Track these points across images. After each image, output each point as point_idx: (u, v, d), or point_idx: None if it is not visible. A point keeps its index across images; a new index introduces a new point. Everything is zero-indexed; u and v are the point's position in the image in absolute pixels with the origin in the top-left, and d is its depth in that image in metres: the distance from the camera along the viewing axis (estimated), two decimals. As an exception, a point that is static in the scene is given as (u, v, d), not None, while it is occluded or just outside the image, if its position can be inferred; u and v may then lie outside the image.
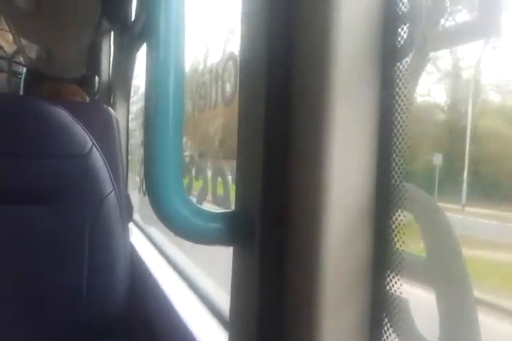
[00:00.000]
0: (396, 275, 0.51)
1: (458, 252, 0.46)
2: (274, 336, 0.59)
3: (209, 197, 1.27)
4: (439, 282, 0.48)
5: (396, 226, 0.51)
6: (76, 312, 0.95)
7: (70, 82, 1.98)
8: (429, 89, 0.61)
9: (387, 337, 0.52)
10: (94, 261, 0.96)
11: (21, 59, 3.63)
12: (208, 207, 1.24)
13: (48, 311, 0.93)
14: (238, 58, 1.04)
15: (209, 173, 1.31)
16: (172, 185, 0.65)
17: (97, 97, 2.83)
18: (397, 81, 0.52)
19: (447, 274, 0.47)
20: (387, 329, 0.52)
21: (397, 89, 0.52)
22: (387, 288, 0.52)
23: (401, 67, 0.52)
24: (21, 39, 3.24)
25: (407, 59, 0.52)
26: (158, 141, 0.64)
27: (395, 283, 0.51)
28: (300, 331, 0.56)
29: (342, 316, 0.53)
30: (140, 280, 1.22)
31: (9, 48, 3.57)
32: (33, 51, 3.47)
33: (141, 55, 2.25)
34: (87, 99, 2.46)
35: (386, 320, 0.52)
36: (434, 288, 0.47)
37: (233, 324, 0.70)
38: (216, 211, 0.68)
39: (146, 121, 0.65)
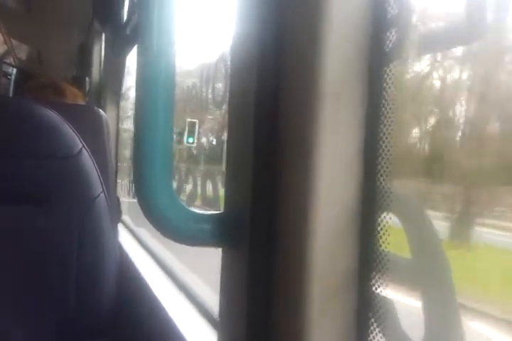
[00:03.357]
0: (382, 276, 0.51)
1: (441, 253, 0.47)
2: (262, 336, 0.60)
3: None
4: (423, 283, 0.48)
5: (382, 228, 0.52)
6: (65, 312, 0.94)
7: (67, 83, 1.97)
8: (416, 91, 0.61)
9: (373, 337, 0.52)
10: (83, 261, 0.96)
11: (11, 60, 3.61)
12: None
13: (36, 311, 0.93)
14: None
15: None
16: (161, 186, 0.65)
17: (87, 99, 2.82)
18: (384, 85, 0.53)
19: (431, 275, 0.48)
20: (374, 329, 0.52)
21: (383, 93, 0.53)
22: (374, 288, 0.52)
23: (388, 71, 0.53)
24: (12, 39, 3.23)
25: (395, 63, 0.52)
26: (148, 142, 0.65)
27: (381, 284, 0.52)
28: (288, 331, 0.56)
29: (329, 317, 0.53)
30: (129, 280, 1.22)
31: (-1, 49, 3.55)
32: (23, 52, 3.45)
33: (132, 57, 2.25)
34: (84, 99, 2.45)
35: (373, 320, 0.52)
36: (419, 289, 0.48)
37: (222, 324, 0.70)
38: (205, 212, 0.69)
39: (136, 122, 0.65)
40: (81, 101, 1.90)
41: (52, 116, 0.97)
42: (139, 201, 0.66)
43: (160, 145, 0.65)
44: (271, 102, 0.60)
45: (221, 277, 0.70)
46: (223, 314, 0.69)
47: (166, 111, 0.64)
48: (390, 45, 0.52)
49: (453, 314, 0.45)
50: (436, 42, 0.52)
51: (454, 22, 0.50)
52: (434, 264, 0.47)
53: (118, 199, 1.85)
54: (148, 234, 1.90)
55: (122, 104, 2.45)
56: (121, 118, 2.45)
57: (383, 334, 0.51)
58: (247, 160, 0.62)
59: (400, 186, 0.51)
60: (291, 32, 0.58)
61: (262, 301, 0.60)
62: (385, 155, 0.52)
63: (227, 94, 0.72)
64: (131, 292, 1.21)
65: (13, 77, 3.24)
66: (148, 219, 0.66)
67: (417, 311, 0.47)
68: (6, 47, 3.39)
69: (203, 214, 0.68)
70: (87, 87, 2.76)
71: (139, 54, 0.65)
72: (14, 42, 3.27)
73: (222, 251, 0.69)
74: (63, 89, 1.82)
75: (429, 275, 0.48)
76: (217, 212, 0.70)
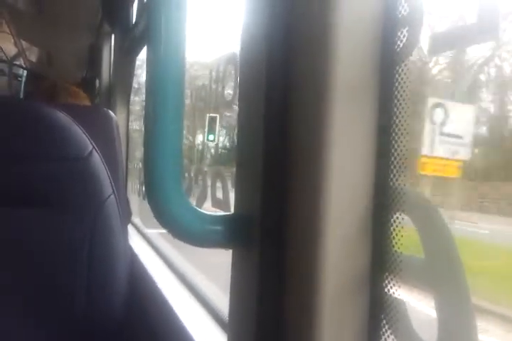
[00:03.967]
0: (394, 277, 0.51)
1: (456, 254, 0.46)
2: (272, 338, 0.60)
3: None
4: (437, 284, 0.48)
5: (394, 229, 0.51)
6: (75, 312, 0.95)
7: (72, 85, 1.98)
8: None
9: (385, 339, 0.52)
10: (93, 262, 0.96)
11: (22, 62, 3.63)
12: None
13: (46, 312, 0.94)
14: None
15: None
16: (172, 188, 0.65)
17: (97, 100, 2.83)
18: (396, 84, 0.53)
19: (445, 276, 0.47)
20: (386, 331, 0.52)
21: (396, 93, 0.52)
22: (386, 290, 0.52)
23: (400, 70, 0.52)
24: (22, 42, 3.25)
25: (407, 62, 0.52)
26: (158, 143, 0.65)
27: (394, 285, 0.51)
28: (299, 333, 0.56)
29: (341, 318, 0.53)
30: (139, 282, 1.22)
31: (10, 51, 3.57)
32: (33, 54, 3.48)
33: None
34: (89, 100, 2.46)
35: (384, 321, 0.52)
36: (432, 290, 0.47)
37: (232, 326, 0.70)
38: (216, 214, 0.69)
39: (146, 123, 0.65)
40: (87, 103, 1.92)
41: (63, 117, 0.98)
42: (149, 203, 0.66)
43: (170, 146, 0.65)
44: (281, 103, 0.60)
45: (231, 278, 0.69)
46: (233, 315, 0.69)
47: (176, 111, 0.64)
48: (402, 44, 0.52)
49: (467, 315, 0.45)
50: (447, 42, 0.52)
51: (466, 22, 0.50)
52: (447, 265, 0.47)
53: (128, 201, 1.86)
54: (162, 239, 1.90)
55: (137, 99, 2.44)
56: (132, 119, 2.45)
57: (395, 336, 0.51)
58: (257, 161, 0.61)
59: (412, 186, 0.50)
60: (302, 31, 0.58)
61: (272, 302, 0.60)
62: (398, 155, 0.52)
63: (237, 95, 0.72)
64: (141, 293, 1.22)
65: (23, 79, 3.27)
66: (158, 221, 0.66)
67: (430, 312, 0.47)
68: (16, 49, 3.42)
69: (213, 216, 0.67)
70: (97, 89, 2.77)
71: (149, 55, 0.65)
72: (24, 44, 3.29)
73: (233, 252, 0.69)
74: (73, 91, 1.84)
75: (443, 276, 0.47)
76: (228, 213, 0.70)
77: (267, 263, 0.60)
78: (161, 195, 0.65)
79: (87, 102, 1.91)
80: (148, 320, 1.15)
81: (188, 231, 0.66)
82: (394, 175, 0.52)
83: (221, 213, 0.70)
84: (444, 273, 0.47)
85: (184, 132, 0.67)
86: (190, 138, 2.55)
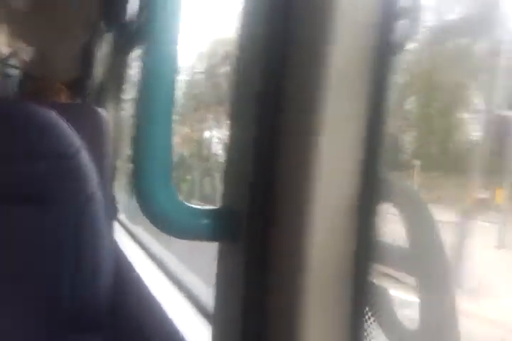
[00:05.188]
0: (379, 265, 0.51)
1: (439, 243, 0.46)
2: (257, 331, 0.59)
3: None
4: (420, 272, 0.48)
5: (379, 218, 0.51)
6: (61, 308, 0.95)
7: (60, 83, 1.99)
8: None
9: (368, 325, 0.52)
10: (80, 258, 0.96)
11: (15, 61, 3.62)
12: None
13: (33, 308, 0.93)
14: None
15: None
16: (159, 180, 0.65)
17: (88, 98, 2.83)
18: (388, 77, 0.53)
19: (429, 264, 0.47)
20: (369, 318, 0.52)
21: (389, 84, 0.53)
22: (369, 278, 0.52)
23: (393, 63, 0.53)
24: (15, 41, 3.24)
25: (400, 55, 0.52)
26: (147, 137, 0.65)
27: (377, 274, 0.51)
28: (283, 325, 0.56)
29: (325, 307, 0.53)
30: (124, 277, 1.22)
31: (3, 51, 3.56)
32: (26, 53, 3.46)
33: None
34: (74, 98, 2.46)
35: (367, 309, 0.52)
36: (416, 278, 0.47)
37: (217, 319, 0.70)
38: (202, 207, 0.69)
39: (136, 116, 0.66)
40: (63, 97, 1.93)
41: (50, 116, 0.98)
42: (136, 195, 0.66)
43: (159, 138, 0.65)
44: (271, 97, 0.60)
45: (217, 270, 0.69)
46: (218, 307, 0.69)
47: (165, 107, 0.65)
48: (397, 36, 0.52)
49: (448, 303, 0.45)
50: (445, 34, 0.52)
51: (463, 14, 0.50)
52: (431, 253, 0.47)
53: (114, 197, 1.88)
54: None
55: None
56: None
57: (378, 323, 0.51)
58: (245, 154, 0.62)
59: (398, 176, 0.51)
60: (297, 24, 0.58)
61: (257, 295, 0.60)
62: (384, 145, 0.52)
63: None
64: (127, 287, 1.21)
65: (14, 79, 3.25)
66: (144, 213, 0.66)
67: (413, 300, 0.47)
68: (9, 48, 3.40)
69: (199, 209, 0.67)
70: (89, 86, 2.76)
71: (143, 53, 0.65)
72: (18, 43, 3.28)
73: (219, 245, 0.69)
74: (61, 89, 1.85)
75: (426, 264, 0.48)
76: (215, 206, 0.70)
77: (253, 256, 0.60)
78: (147, 187, 0.65)
79: (67, 98, 1.92)
80: (135, 312, 1.15)
81: (174, 224, 0.66)
82: (380, 165, 0.52)
83: (208, 206, 0.70)
84: (427, 262, 0.47)
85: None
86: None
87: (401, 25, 0.52)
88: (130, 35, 2.10)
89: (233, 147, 0.69)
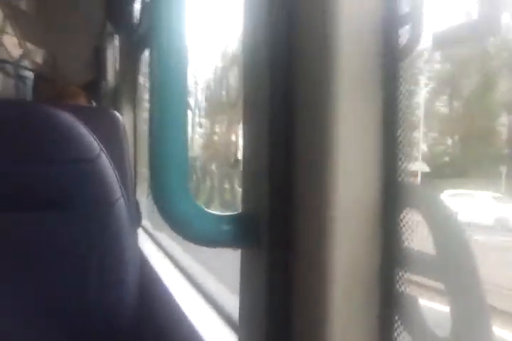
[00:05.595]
0: (406, 274, 0.50)
1: (467, 249, 0.46)
2: (283, 337, 0.59)
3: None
4: (449, 279, 0.47)
5: (404, 225, 0.51)
6: (84, 316, 0.95)
7: (76, 86, 1.99)
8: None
9: (398, 334, 0.51)
10: (103, 265, 0.96)
11: (27, 63, 3.64)
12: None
13: (56, 315, 0.94)
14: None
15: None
16: (178, 188, 0.65)
17: (103, 102, 2.83)
18: (400, 80, 0.52)
19: (457, 272, 0.47)
20: (398, 326, 0.51)
21: (400, 88, 0.52)
22: (397, 286, 0.51)
23: (403, 67, 0.52)
24: (27, 43, 3.26)
25: (409, 59, 0.52)
26: (163, 143, 0.64)
27: (405, 281, 0.51)
28: (309, 331, 0.56)
29: (351, 316, 0.53)
30: (149, 285, 1.22)
31: (15, 53, 3.58)
32: (39, 55, 3.48)
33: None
34: (92, 101, 2.46)
35: (397, 317, 0.51)
36: (444, 285, 0.47)
37: (242, 326, 0.70)
38: (223, 213, 0.68)
39: (151, 124, 0.65)
40: (82, 102, 1.92)
41: (70, 119, 0.98)
42: (156, 204, 0.66)
43: (176, 146, 0.65)
44: (285, 100, 0.60)
45: (240, 278, 0.69)
46: (243, 315, 0.69)
47: (180, 111, 0.64)
48: (404, 41, 0.52)
49: (480, 310, 0.44)
50: (449, 39, 0.51)
51: (467, 19, 0.50)
52: (459, 260, 0.46)
53: (137, 203, 1.84)
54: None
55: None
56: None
57: (409, 333, 0.50)
58: (264, 159, 0.61)
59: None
60: (303, 29, 0.57)
61: (281, 302, 0.59)
62: (404, 150, 0.51)
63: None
64: (152, 296, 1.22)
65: (28, 81, 3.27)
66: (165, 222, 0.66)
67: (443, 309, 0.47)
68: (21, 51, 3.42)
69: (221, 216, 0.67)
70: (103, 90, 2.77)
71: (152, 56, 0.65)
72: (29, 46, 3.29)
73: (241, 252, 0.69)
74: (78, 93, 1.84)
75: (454, 271, 0.47)
76: (235, 212, 0.69)
77: (276, 262, 0.60)
78: (167, 195, 0.65)
79: (86, 102, 1.91)
80: (159, 321, 1.15)
81: (196, 231, 0.66)
82: (402, 170, 0.51)
83: (229, 213, 0.69)
84: (455, 269, 0.47)
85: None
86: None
87: (405, 30, 0.51)
88: (139, 37, 2.10)
89: (250, 152, 0.69)
